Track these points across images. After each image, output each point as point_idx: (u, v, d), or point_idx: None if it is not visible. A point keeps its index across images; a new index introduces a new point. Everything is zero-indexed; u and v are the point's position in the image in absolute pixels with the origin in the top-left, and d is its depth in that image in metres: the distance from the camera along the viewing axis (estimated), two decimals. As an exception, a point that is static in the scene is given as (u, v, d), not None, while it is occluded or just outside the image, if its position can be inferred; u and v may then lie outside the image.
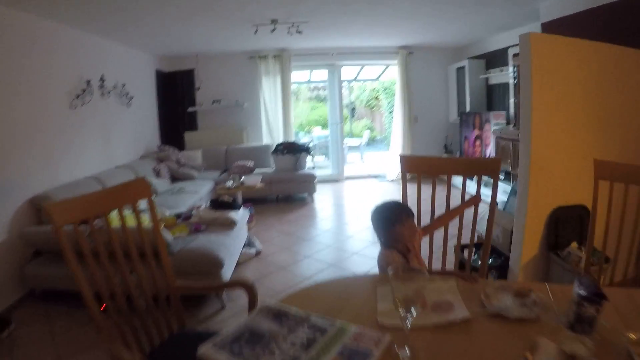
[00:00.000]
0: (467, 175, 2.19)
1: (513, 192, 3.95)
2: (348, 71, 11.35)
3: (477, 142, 7.08)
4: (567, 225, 3.22)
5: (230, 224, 3.83)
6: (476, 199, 2.12)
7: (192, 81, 7.61)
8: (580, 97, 3.01)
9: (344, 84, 12.17)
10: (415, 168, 2.21)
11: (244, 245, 4.28)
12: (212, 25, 5.28)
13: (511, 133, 4.29)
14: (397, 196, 6.73)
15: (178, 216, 3.97)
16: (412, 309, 1.18)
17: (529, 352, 1.14)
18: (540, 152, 2.89)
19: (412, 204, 1.99)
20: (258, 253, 4.37)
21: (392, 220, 1.83)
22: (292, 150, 6.72)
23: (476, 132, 7.10)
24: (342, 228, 5.43)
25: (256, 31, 5.35)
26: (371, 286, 1.61)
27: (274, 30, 5.24)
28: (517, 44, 2.90)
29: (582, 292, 1.27)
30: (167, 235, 3.26)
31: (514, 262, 3.08)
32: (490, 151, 6.57)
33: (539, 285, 1.58)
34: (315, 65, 8.27)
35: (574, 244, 3.18)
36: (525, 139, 2.89)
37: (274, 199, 6.86)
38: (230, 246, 3.56)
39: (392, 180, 8.15)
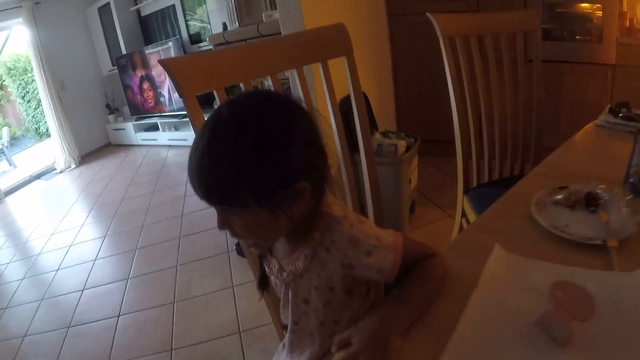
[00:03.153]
0: (302, 64, 1.18)
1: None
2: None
3: (146, 84, 6.01)
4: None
5: None
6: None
7: None
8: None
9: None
10: (203, 82, 0.98)
11: None
12: None
13: (242, 33, 3.29)
14: (76, 190, 5.47)
15: None
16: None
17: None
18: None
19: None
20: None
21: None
22: None
23: (140, 72, 6.01)
24: (46, 263, 3.64)
25: None
26: None
27: None
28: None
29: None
30: None
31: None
32: (170, 88, 5.64)
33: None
34: None
35: (377, 135, 2.59)
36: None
37: None
38: None
39: (62, 172, 6.37)
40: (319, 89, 1.19)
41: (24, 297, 3.10)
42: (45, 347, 2.44)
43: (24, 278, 3.39)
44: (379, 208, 1.32)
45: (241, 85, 1.03)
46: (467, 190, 1.83)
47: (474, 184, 1.84)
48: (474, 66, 1.69)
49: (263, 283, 0.92)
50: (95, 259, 3.35)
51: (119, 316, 2.55)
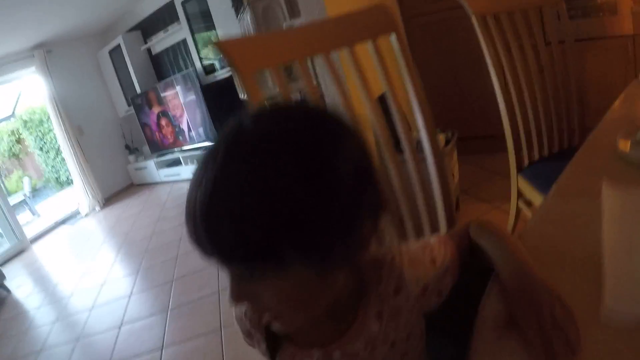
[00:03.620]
0: (354, 42, 1.10)
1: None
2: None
3: (164, 120, 6.03)
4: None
5: None
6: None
7: None
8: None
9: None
10: (258, 59, 0.92)
11: None
12: None
13: None
14: (103, 231, 5.41)
15: None
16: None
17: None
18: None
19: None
20: None
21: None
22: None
23: (157, 109, 6.02)
24: (78, 304, 3.53)
25: None
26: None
27: None
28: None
29: None
30: None
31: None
32: (188, 121, 5.62)
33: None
34: None
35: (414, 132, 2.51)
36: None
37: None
38: None
39: (86, 215, 6.37)
40: (350, 80, 1.10)
41: (58, 339, 3.02)
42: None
43: (56, 321, 3.31)
44: (449, 205, 1.22)
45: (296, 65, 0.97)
46: (520, 169, 1.76)
47: (525, 164, 1.76)
48: (509, 44, 1.64)
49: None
50: (131, 294, 3.27)
51: (162, 349, 2.44)
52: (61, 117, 6.13)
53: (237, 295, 0.50)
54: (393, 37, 1.14)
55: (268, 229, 0.43)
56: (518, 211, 1.78)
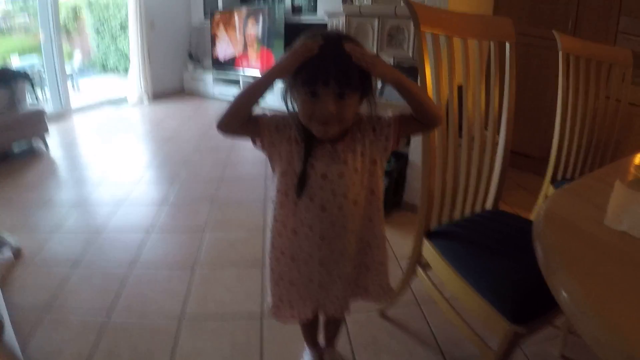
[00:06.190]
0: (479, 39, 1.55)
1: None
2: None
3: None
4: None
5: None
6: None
7: None
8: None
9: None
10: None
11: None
12: None
13: (377, 9, 3.08)
14: (149, 122, 5.77)
15: None
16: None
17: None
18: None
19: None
20: (18, 254, 2.44)
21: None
22: (5, 80, 4.54)
23: (231, 30, 6.29)
24: (111, 173, 3.77)
25: None
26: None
27: None
28: None
29: None
30: None
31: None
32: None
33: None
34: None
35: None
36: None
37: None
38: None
39: (133, 104, 6.61)
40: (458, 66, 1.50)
41: (60, 201, 3.22)
42: (69, 248, 2.52)
43: (99, 185, 3.51)
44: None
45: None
46: (553, 181, 2.06)
47: (558, 178, 2.06)
48: (578, 84, 1.94)
49: (302, 184, 1.09)
50: (180, 180, 3.58)
51: (203, 231, 2.71)
52: (140, 6, 6.34)
53: (333, 108, 0.96)
54: (507, 46, 1.56)
55: (361, 72, 0.96)
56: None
